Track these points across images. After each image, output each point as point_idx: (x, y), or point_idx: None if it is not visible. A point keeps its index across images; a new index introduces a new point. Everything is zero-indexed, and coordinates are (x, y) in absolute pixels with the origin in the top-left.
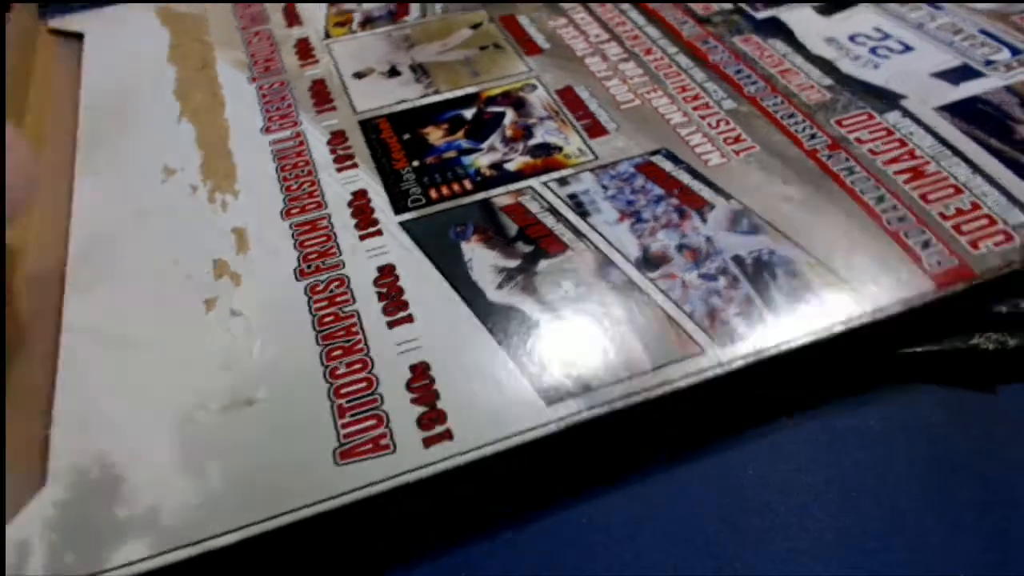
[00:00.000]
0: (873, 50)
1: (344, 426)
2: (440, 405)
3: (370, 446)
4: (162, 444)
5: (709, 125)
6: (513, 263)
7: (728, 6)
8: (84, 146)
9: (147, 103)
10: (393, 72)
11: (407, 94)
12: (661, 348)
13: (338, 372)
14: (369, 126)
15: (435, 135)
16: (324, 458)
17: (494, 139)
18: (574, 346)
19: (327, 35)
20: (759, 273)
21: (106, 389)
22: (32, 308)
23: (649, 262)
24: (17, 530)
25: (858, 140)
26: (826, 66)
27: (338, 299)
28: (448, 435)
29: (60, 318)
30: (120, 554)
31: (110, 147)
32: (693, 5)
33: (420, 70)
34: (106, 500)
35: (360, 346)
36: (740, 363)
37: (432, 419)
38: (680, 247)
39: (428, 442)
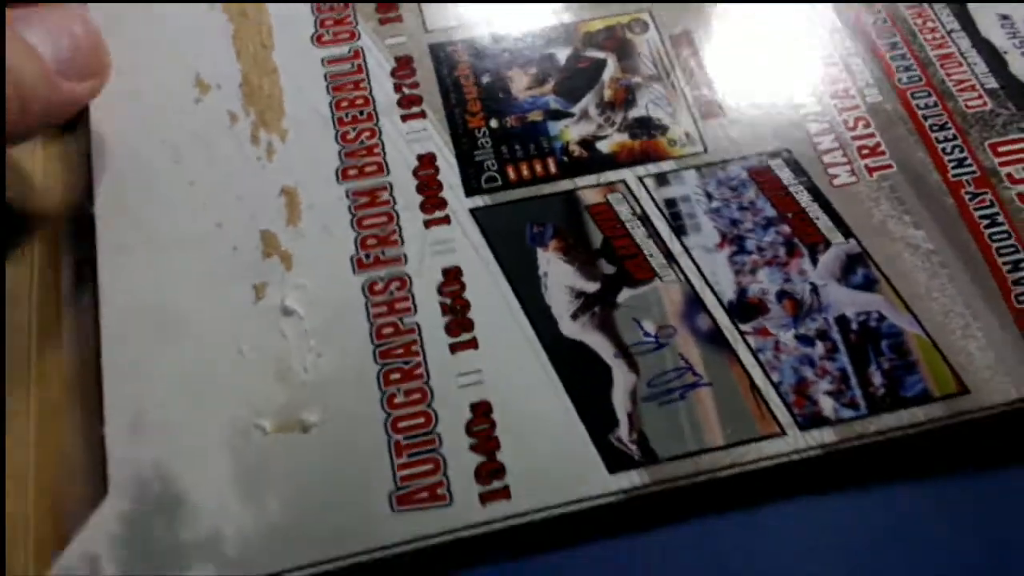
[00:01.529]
0: None
1: (401, 467)
2: (500, 457)
3: (426, 495)
4: (220, 462)
5: (846, 124)
6: (592, 287)
7: None
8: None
9: None
10: None
11: (490, 10)
12: (739, 423)
13: (396, 400)
14: (442, 55)
15: (519, 82)
16: (381, 502)
17: (588, 101)
18: (646, 406)
19: None
20: (862, 344)
21: (156, 384)
22: (66, 271)
23: (743, 309)
24: (85, 542)
25: (1010, 178)
26: (994, 58)
27: (398, 305)
28: (506, 493)
29: (96, 288)
30: None
31: (127, 33)
32: None
33: None
34: (170, 519)
35: (420, 371)
36: (818, 452)
37: (490, 472)
38: (781, 295)
39: (485, 498)
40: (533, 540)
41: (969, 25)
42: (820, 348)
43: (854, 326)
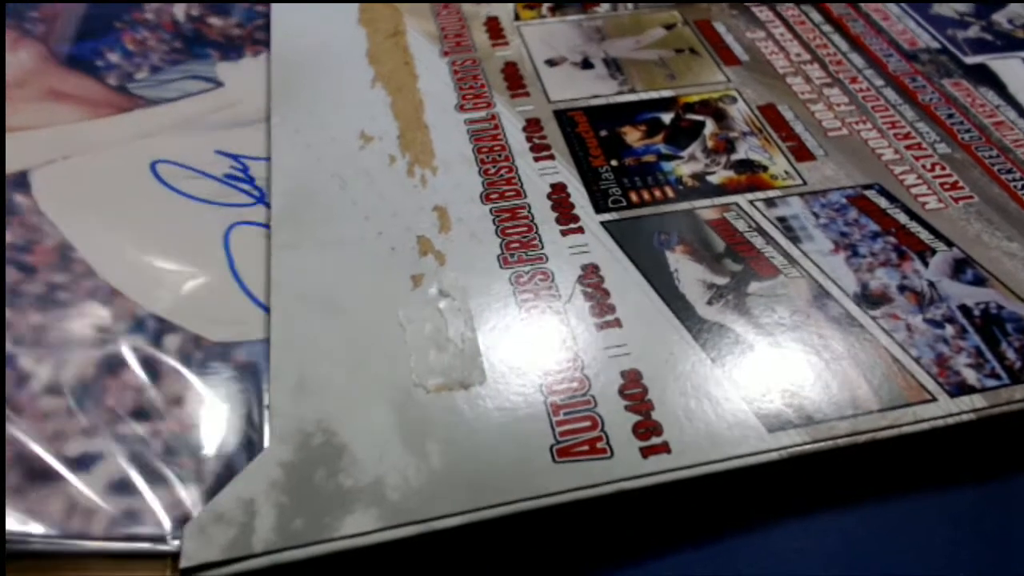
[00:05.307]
0: None
1: (559, 423)
2: (655, 416)
3: (587, 448)
4: (381, 418)
5: (924, 167)
6: (722, 280)
7: (935, 45)
8: (277, 101)
9: (339, 64)
10: (586, 64)
11: (602, 89)
12: (889, 390)
13: (549, 368)
14: (564, 118)
15: (632, 136)
16: (542, 453)
17: (695, 148)
18: (794, 375)
19: (517, 16)
20: (988, 326)
21: (320, 353)
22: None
23: (869, 299)
24: (244, 487)
25: None
26: None
27: (543, 293)
28: (665, 448)
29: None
30: (348, 524)
31: (304, 104)
32: (898, 38)
33: (614, 65)
34: (332, 468)
35: (569, 343)
36: (971, 416)
37: (648, 429)
38: (901, 288)
39: (645, 452)
40: (694, 500)
41: (1013, 103)
42: (950, 330)
43: (976, 313)
